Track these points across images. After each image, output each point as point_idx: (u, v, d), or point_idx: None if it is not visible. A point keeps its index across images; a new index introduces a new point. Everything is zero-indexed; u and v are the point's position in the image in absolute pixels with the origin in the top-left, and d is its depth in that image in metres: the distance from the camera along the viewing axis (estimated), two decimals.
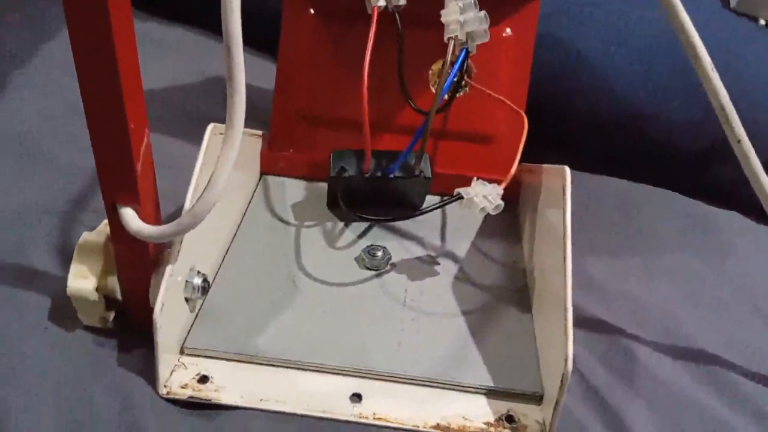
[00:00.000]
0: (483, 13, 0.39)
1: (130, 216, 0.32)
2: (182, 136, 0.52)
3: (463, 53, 0.40)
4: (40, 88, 0.55)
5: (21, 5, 0.64)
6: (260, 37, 0.53)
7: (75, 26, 0.27)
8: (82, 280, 0.35)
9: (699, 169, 0.55)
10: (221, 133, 0.39)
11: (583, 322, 0.42)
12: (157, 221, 0.35)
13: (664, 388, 0.38)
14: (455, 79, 0.42)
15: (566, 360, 0.32)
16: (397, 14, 0.42)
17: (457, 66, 0.40)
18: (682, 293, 0.45)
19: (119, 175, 0.32)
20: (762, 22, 0.59)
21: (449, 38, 0.39)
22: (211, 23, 0.64)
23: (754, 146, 0.54)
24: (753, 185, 0.36)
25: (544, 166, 0.43)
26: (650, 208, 0.52)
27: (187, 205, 0.36)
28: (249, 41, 0.30)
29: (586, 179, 0.55)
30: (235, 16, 0.27)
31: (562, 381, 0.33)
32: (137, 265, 0.35)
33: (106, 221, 0.37)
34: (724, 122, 0.34)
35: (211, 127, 0.39)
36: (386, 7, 0.41)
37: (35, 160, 0.48)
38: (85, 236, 0.36)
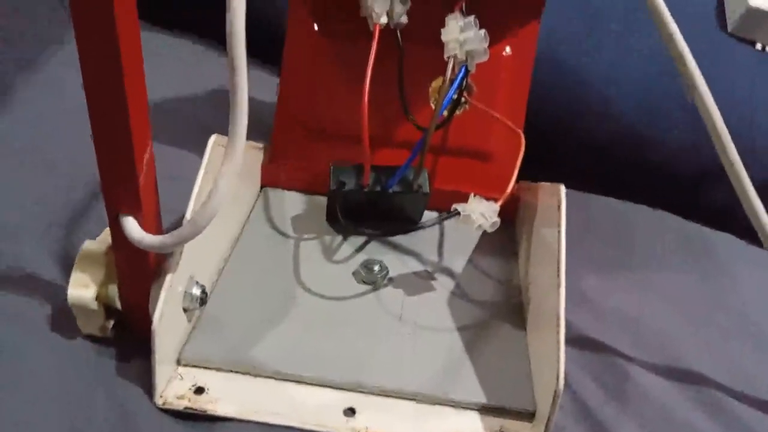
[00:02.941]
0: (483, 32, 0.39)
1: (132, 225, 0.33)
2: (182, 145, 0.52)
3: (462, 71, 0.41)
4: (43, 98, 0.55)
5: (25, 11, 0.64)
6: (262, 49, 0.54)
7: (82, 37, 0.28)
8: (82, 289, 0.35)
9: (695, 191, 0.56)
10: (223, 145, 0.40)
11: (577, 339, 0.43)
12: (159, 231, 0.36)
13: (655, 408, 0.38)
14: (454, 97, 0.43)
15: (558, 377, 0.33)
16: (398, 32, 0.43)
17: (456, 84, 0.41)
18: (676, 312, 0.45)
19: (122, 185, 0.32)
20: (759, 46, 0.60)
21: (449, 57, 0.40)
22: (214, 33, 0.66)
23: (750, 168, 0.55)
24: (745, 207, 0.36)
25: (541, 184, 0.44)
26: (646, 228, 0.53)
27: (188, 215, 0.36)
28: (251, 53, 0.30)
29: (584, 198, 0.55)
30: (240, 37, 0.28)
31: (553, 398, 0.33)
32: (137, 274, 0.35)
33: (107, 230, 0.37)
34: (718, 145, 0.35)
35: (213, 138, 0.40)
36: (388, 24, 0.42)
37: (37, 170, 0.49)
38: (87, 245, 0.37)
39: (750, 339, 0.44)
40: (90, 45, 0.28)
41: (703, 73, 0.57)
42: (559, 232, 0.38)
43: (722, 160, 0.35)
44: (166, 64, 0.63)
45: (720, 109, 0.56)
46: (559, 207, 0.39)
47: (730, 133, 0.53)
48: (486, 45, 0.40)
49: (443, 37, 0.40)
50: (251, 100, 0.29)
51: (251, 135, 0.31)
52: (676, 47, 0.33)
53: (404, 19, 0.42)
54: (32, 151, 0.50)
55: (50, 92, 0.56)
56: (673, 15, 0.60)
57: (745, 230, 0.52)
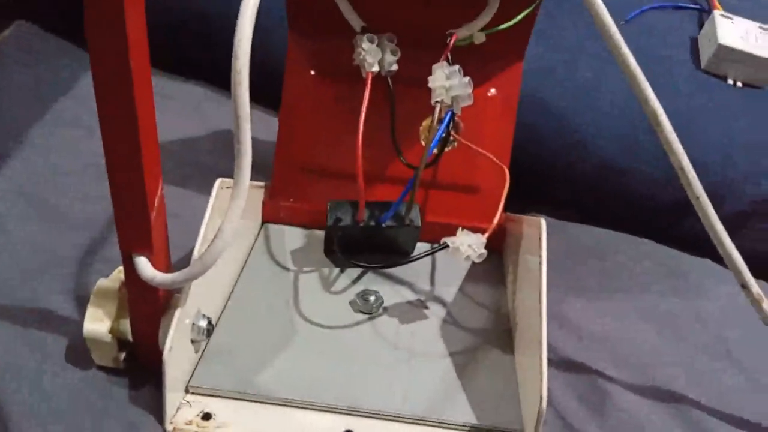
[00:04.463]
0: (467, 79, 0.42)
1: (144, 264, 0.35)
2: (184, 184, 0.55)
3: (449, 115, 0.44)
4: (54, 146, 0.58)
5: (34, 62, 0.67)
6: (262, 91, 0.57)
7: (101, 90, 0.30)
8: (97, 323, 0.38)
9: (674, 219, 0.59)
10: (227, 187, 0.42)
11: (561, 361, 0.45)
12: (168, 269, 0.38)
13: (635, 425, 0.41)
14: (443, 135, 0.46)
15: (541, 398, 0.35)
16: (389, 79, 0.46)
17: (443, 126, 0.44)
18: (655, 334, 0.48)
19: (135, 226, 0.35)
20: (730, 81, 0.63)
21: (436, 102, 0.43)
22: (210, 77, 0.69)
23: (725, 199, 0.58)
24: (712, 237, 0.39)
25: (525, 217, 0.46)
26: (627, 254, 0.55)
27: (196, 253, 0.39)
28: (250, 93, 0.32)
29: (568, 227, 0.58)
30: (244, 88, 0.30)
31: (537, 417, 0.35)
32: (148, 309, 0.38)
33: (119, 268, 0.40)
34: (684, 181, 0.37)
35: (218, 182, 0.43)
36: (380, 72, 0.45)
37: (49, 215, 0.51)
38: (101, 283, 0.39)
39: (725, 357, 0.46)
40: (108, 97, 0.30)
41: (681, 107, 0.61)
42: (540, 261, 0.40)
43: (689, 194, 0.38)
44: (167, 106, 0.66)
45: (695, 141, 0.59)
46: (540, 238, 0.41)
47: (705, 166, 0.57)
48: (470, 91, 0.42)
49: (430, 84, 0.43)
50: (252, 140, 0.31)
51: (252, 173, 0.33)
52: (640, 89, 0.36)
53: (395, 67, 0.45)
54: (47, 199, 0.53)
55: (61, 143, 0.58)
56: (651, 55, 0.64)
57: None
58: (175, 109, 0.65)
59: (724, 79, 0.63)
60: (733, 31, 0.63)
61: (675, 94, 0.61)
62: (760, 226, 0.58)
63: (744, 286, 0.40)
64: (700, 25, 0.68)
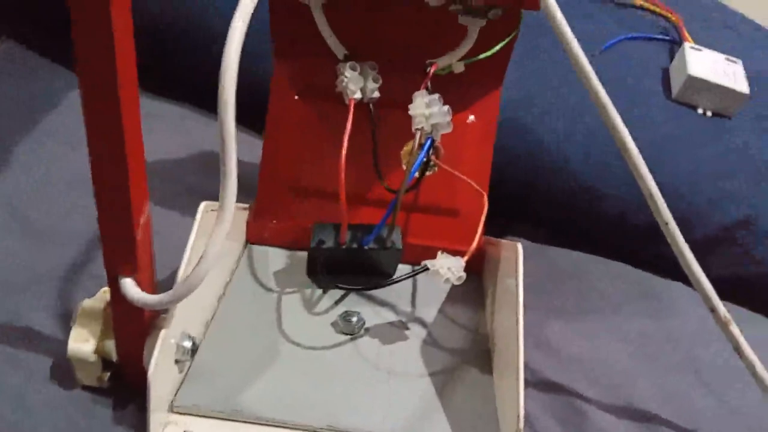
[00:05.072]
0: (447, 107, 0.44)
1: (129, 285, 0.36)
2: (169, 205, 0.55)
3: (429, 141, 0.45)
4: (39, 160, 0.58)
5: (21, 76, 0.68)
6: (247, 113, 0.57)
7: (88, 111, 0.31)
8: (82, 343, 0.38)
9: (648, 243, 0.60)
10: (212, 210, 0.43)
11: (539, 382, 0.46)
12: (153, 290, 0.39)
13: None
14: (423, 161, 0.47)
15: (518, 417, 0.36)
16: (371, 106, 0.47)
17: (423, 152, 0.45)
18: (630, 354, 0.49)
19: (122, 248, 0.35)
20: (700, 110, 0.66)
21: (416, 129, 0.44)
22: (194, 97, 0.69)
23: (693, 225, 0.60)
24: (680, 262, 0.41)
25: (503, 241, 0.48)
26: (602, 277, 0.57)
27: (181, 275, 0.40)
28: (236, 116, 0.33)
29: (547, 251, 0.59)
30: (230, 116, 0.31)
31: None
32: (133, 329, 0.38)
33: (104, 288, 0.41)
34: (652, 207, 0.39)
35: (203, 204, 0.43)
36: (362, 99, 0.47)
37: (35, 231, 0.52)
38: (86, 303, 0.40)
39: (696, 376, 0.48)
40: (95, 111, 0.31)
41: (651, 136, 0.63)
42: (517, 285, 0.42)
43: (657, 219, 0.39)
44: (151, 126, 0.66)
45: (665, 168, 0.61)
46: (516, 261, 0.43)
47: (674, 193, 0.59)
48: (449, 119, 0.44)
49: (411, 112, 0.44)
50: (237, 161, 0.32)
51: (236, 195, 0.34)
52: (609, 117, 0.38)
53: (376, 94, 0.47)
54: (31, 214, 0.53)
55: (50, 160, 0.58)
56: (624, 84, 0.66)
57: None
58: (161, 128, 0.65)
59: (694, 108, 0.66)
60: (702, 63, 0.66)
61: (646, 122, 0.63)
62: (728, 250, 0.60)
63: (713, 310, 0.42)
64: (672, 56, 0.70)
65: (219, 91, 0.31)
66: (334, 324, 0.47)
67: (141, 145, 0.34)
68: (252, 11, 0.32)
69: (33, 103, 0.64)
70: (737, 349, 0.42)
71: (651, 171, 0.39)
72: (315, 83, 0.51)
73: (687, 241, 0.40)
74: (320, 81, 0.50)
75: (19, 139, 0.60)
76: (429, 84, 0.45)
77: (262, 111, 0.52)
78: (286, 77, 0.52)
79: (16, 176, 0.56)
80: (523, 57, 0.64)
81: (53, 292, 0.47)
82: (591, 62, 0.38)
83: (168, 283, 0.35)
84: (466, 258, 0.43)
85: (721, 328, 0.42)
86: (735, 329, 0.42)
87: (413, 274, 0.45)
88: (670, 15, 0.76)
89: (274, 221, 0.53)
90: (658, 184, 0.39)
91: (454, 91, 0.46)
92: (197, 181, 0.60)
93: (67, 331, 0.39)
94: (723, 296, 0.42)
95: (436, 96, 0.44)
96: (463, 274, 0.42)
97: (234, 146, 0.31)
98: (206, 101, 0.68)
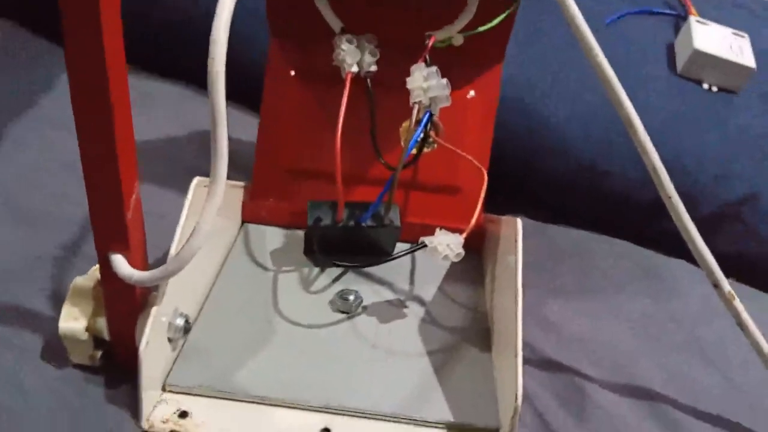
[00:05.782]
0: (445, 80, 0.43)
1: (120, 262, 0.35)
2: (165, 184, 0.54)
3: (427, 115, 0.44)
4: (33, 145, 0.58)
5: (14, 60, 0.67)
6: (243, 91, 0.57)
7: (76, 90, 0.30)
8: (73, 322, 0.38)
9: (651, 220, 0.60)
10: (204, 186, 0.42)
11: (540, 361, 0.45)
12: (145, 267, 0.38)
13: (612, 423, 0.41)
14: (421, 136, 0.46)
15: (516, 395, 0.36)
16: (368, 79, 0.46)
17: (421, 127, 0.44)
18: (631, 333, 0.48)
19: (111, 225, 0.35)
20: (705, 85, 0.64)
21: (414, 103, 0.43)
22: (194, 78, 0.69)
23: (698, 201, 0.59)
24: (684, 237, 0.40)
25: (502, 217, 0.47)
26: (604, 255, 0.56)
27: (173, 251, 0.39)
28: (232, 95, 0.33)
29: (548, 229, 0.59)
30: (220, 87, 0.31)
31: (513, 414, 0.36)
32: (125, 307, 0.38)
33: (95, 267, 0.40)
34: (656, 181, 0.38)
35: (195, 180, 0.43)
36: (359, 72, 0.46)
37: (26, 213, 0.51)
38: (77, 281, 0.39)
39: (699, 355, 0.47)
40: (82, 90, 0.30)
41: (656, 111, 0.62)
42: (516, 261, 0.41)
43: (661, 193, 0.38)
44: (151, 107, 0.66)
45: (669, 144, 0.60)
46: (516, 239, 0.42)
47: (679, 169, 0.58)
48: (448, 92, 0.43)
49: (408, 85, 0.43)
50: (232, 140, 0.31)
51: (232, 173, 0.33)
52: (614, 93, 0.37)
53: (373, 68, 0.46)
54: (24, 198, 0.52)
55: (40, 143, 0.58)
56: (628, 59, 0.65)
57: None
58: (157, 107, 0.64)
59: (700, 84, 0.64)
60: (708, 37, 0.64)
61: (651, 97, 0.62)
62: (732, 228, 0.59)
63: (716, 285, 0.41)
64: (677, 31, 0.69)
65: (209, 63, 0.31)
66: (331, 302, 0.46)
67: (130, 121, 0.33)
68: None
69: (26, 87, 0.63)
70: (740, 324, 0.41)
71: (655, 147, 0.38)
72: (311, 61, 0.50)
73: (692, 218, 0.40)
74: (316, 59, 0.49)
75: (12, 123, 0.59)
76: (428, 57, 0.44)
77: (258, 90, 0.51)
78: (281, 54, 0.51)
79: (9, 160, 0.55)
80: (525, 33, 0.63)
81: (46, 273, 0.46)
82: (595, 37, 0.37)
83: (163, 263, 0.34)
84: (464, 234, 0.42)
85: (725, 303, 0.41)
86: (739, 305, 0.41)
87: (411, 251, 0.44)
88: None
89: (271, 200, 0.52)
90: (663, 160, 0.38)
91: (454, 66, 0.45)
92: (197, 162, 0.59)
93: (60, 311, 0.38)
94: (726, 274, 0.41)
95: (434, 69, 0.43)
96: (462, 251, 0.42)
97: (224, 118, 0.31)
98: (204, 81, 0.67)
